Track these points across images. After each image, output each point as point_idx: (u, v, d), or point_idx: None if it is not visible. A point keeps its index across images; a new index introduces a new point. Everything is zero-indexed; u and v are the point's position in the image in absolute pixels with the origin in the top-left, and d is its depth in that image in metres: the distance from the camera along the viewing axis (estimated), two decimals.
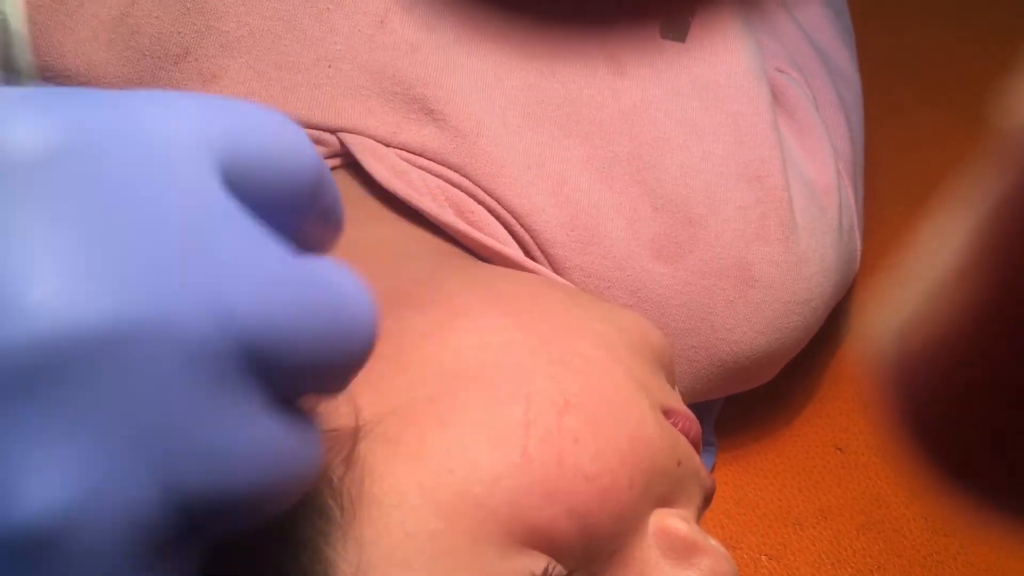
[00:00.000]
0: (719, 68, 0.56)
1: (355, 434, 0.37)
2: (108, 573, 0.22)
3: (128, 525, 0.22)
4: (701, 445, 0.45)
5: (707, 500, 0.45)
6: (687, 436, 0.43)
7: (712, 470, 0.65)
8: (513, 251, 0.51)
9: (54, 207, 0.21)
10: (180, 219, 0.22)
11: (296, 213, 0.26)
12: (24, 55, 0.30)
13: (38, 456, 0.21)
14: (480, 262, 0.51)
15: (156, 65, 0.50)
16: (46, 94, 0.22)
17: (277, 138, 0.25)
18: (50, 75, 0.49)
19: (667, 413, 0.43)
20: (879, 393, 0.17)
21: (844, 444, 0.67)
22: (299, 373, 0.24)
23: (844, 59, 0.70)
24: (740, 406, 0.66)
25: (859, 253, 0.63)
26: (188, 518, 0.23)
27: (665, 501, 0.41)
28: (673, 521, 0.40)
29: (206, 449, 0.23)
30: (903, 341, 0.17)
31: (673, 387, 0.46)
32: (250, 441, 0.24)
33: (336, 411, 0.38)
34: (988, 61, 0.90)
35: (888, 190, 0.80)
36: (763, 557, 0.62)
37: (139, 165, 0.22)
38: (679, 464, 0.42)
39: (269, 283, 0.23)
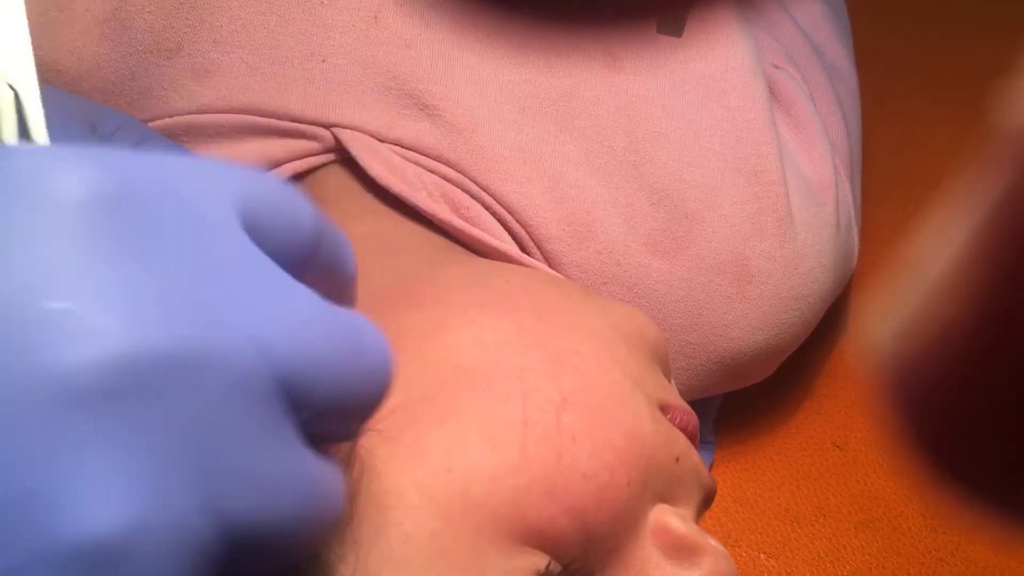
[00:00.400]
0: (716, 63, 0.56)
1: (364, 434, 0.37)
2: None
3: (183, 548, 0.22)
4: (698, 439, 0.45)
5: (708, 499, 0.44)
6: (685, 430, 0.43)
7: (711, 468, 0.65)
8: (508, 247, 0.51)
9: (113, 245, 0.23)
10: (218, 261, 0.24)
11: (301, 262, 0.28)
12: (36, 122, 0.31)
13: (105, 471, 0.21)
14: (476, 257, 0.50)
15: (149, 60, 0.50)
16: (95, 150, 0.24)
17: (281, 196, 0.27)
18: (43, 70, 0.49)
19: (664, 408, 0.43)
20: (878, 392, 0.17)
21: (842, 442, 0.67)
22: (325, 408, 0.26)
23: (840, 56, 0.69)
24: (738, 404, 0.66)
25: (857, 249, 0.63)
26: (231, 550, 0.24)
27: (663, 498, 0.41)
28: (672, 519, 0.40)
29: (250, 476, 0.24)
30: (902, 340, 0.16)
31: (669, 381, 0.46)
32: (289, 471, 0.25)
33: None
34: (988, 56, 0.89)
35: (886, 187, 0.79)
36: (762, 555, 0.62)
37: (179, 214, 0.24)
38: (677, 460, 0.41)
39: (301, 320, 0.25)
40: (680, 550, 0.40)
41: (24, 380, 0.21)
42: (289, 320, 0.25)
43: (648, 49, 0.55)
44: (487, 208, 0.52)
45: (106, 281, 0.22)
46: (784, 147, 0.57)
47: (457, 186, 0.52)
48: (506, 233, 0.52)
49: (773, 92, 0.60)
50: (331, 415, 0.26)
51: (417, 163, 0.51)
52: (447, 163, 0.51)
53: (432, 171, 0.51)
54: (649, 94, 0.54)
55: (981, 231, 0.15)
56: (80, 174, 0.23)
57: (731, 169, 0.54)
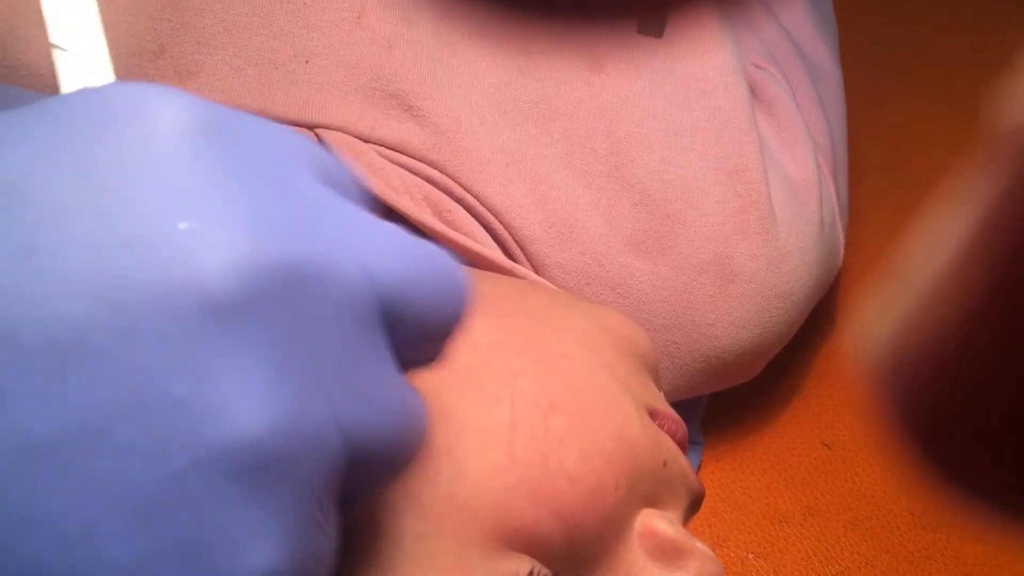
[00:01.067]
0: (696, 63, 0.56)
1: None
2: (306, 502, 0.23)
3: (322, 454, 0.23)
4: (687, 446, 0.45)
5: (695, 504, 0.44)
6: (673, 437, 0.43)
7: (699, 468, 0.65)
8: (491, 251, 0.51)
9: (222, 168, 0.24)
10: (313, 192, 0.25)
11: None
12: None
13: (250, 376, 0.22)
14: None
15: (131, 63, 0.50)
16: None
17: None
18: (24, 73, 0.49)
19: (652, 414, 0.43)
20: (871, 392, 0.17)
21: (831, 440, 0.67)
22: (414, 329, 0.27)
23: (823, 54, 0.69)
24: (726, 404, 0.66)
25: (842, 247, 0.63)
26: (349, 465, 0.25)
27: (651, 503, 0.41)
28: (659, 523, 0.40)
29: (363, 392, 0.25)
30: (896, 339, 0.16)
31: (659, 389, 0.46)
32: (391, 391, 0.26)
33: None
34: (980, 54, 0.90)
35: (878, 185, 0.79)
36: (750, 555, 0.62)
37: (269, 150, 0.25)
38: (665, 465, 0.41)
39: (395, 245, 0.26)
40: (667, 553, 0.40)
41: (163, 294, 0.22)
42: (385, 244, 0.26)
43: (629, 50, 0.55)
44: (470, 210, 0.52)
45: (224, 201, 0.23)
46: (766, 146, 0.57)
47: (440, 188, 0.51)
48: (489, 237, 0.52)
49: (755, 92, 0.60)
50: (418, 337, 0.27)
51: (401, 164, 0.51)
52: (431, 164, 0.51)
53: (416, 172, 0.51)
54: (630, 95, 0.54)
55: (977, 229, 0.15)
56: (179, 104, 0.24)
57: (712, 169, 0.54)
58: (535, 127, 0.53)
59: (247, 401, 0.22)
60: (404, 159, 0.51)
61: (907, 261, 0.16)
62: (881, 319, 0.17)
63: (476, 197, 0.52)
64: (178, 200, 0.23)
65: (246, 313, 0.22)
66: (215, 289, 0.22)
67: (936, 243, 0.15)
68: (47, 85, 0.50)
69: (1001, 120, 0.14)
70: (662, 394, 0.47)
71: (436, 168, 0.51)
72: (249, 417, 0.22)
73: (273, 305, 0.23)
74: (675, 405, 0.54)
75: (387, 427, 0.26)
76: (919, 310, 0.16)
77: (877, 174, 0.81)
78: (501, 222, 0.52)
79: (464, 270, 0.29)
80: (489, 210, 0.52)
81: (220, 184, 0.23)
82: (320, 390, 0.23)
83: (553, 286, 0.52)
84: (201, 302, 0.22)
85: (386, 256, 0.26)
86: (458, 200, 0.52)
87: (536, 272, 0.53)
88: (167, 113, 0.24)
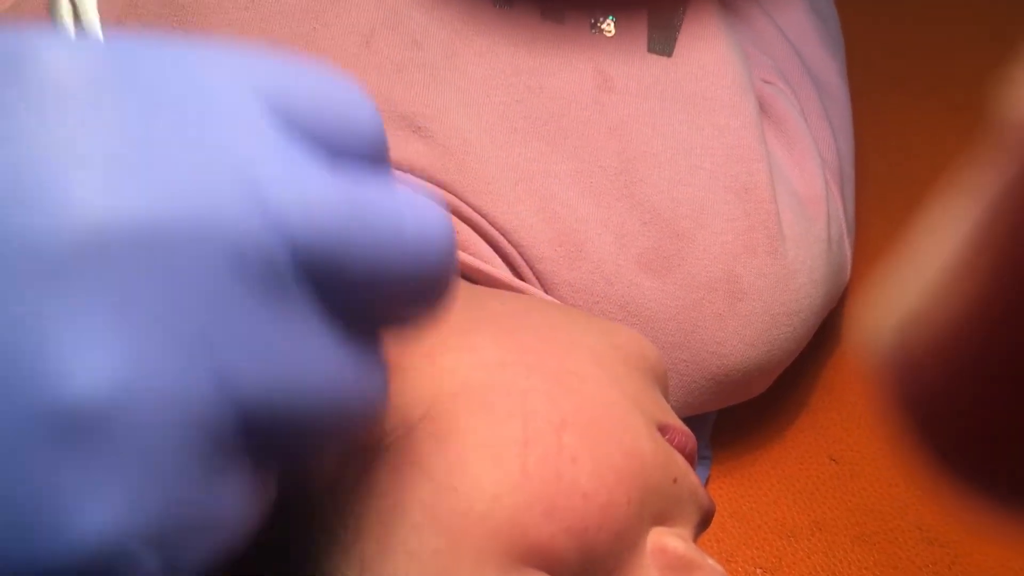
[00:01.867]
0: (706, 82, 0.56)
1: (368, 451, 0.37)
2: (164, 462, 0.22)
3: (181, 413, 0.22)
4: (696, 460, 0.45)
5: (705, 521, 0.44)
6: (683, 452, 0.43)
7: (707, 482, 0.65)
8: (500, 271, 0.51)
9: (101, 118, 0.23)
10: (221, 132, 0.23)
11: (366, 162, 0.26)
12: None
13: (85, 338, 0.21)
14: (468, 283, 0.51)
15: None
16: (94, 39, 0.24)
17: (326, 90, 0.26)
18: None
19: (662, 429, 0.43)
20: (880, 389, 0.17)
21: (838, 455, 0.67)
22: (360, 289, 0.25)
23: (829, 69, 0.70)
24: (733, 418, 0.66)
25: (849, 263, 0.63)
26: (250, 423, 0.24)
27: (662, 519, 0.41)
28: (670, 540, 0.40)
29: (256, 347, 0.23)
30: (904, 335, 0.17)
31: (668, 404, 0.46)
32: (305, 348, 0.24)
33: None
34: (983, 62, 0.90)
35: (880, 195, 0.80)
36: (758, 570, 0.62)
37: (181, 87, 0.24)
38: (675, 482, 0.42)
39: (314, 193, 0.24)
40: (678, 569, 0.40)
41: None
42: (307, 191, 0.24)
43: (639, 68, 0.56)
44: (478, 230, 0.52)
45: (86, 154, 0.22)
46: (775, 163, 0.58)
47: (449, 208, 0.52)
48: (497, 257, 0.52)
49: (764, 108, 0.60)
50: (377, 298, 0.25)
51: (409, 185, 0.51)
52: (439, 184, 0.52)
53: (424, 193, 0.51)
54: (639, 114, 0.55)
55: (983, 221, 0.15)
56: (72, 53, 0.23)
57: (721, 187, 0.55)
58: (545, 145, 0.54)
59: (77, 361, 0.21)
60: (413, 180, 0.52)
61: (915, 256, 0.16)
62: (889, 315, 0.17)
63: (484, 216, 0.52)
64: (34, 150, 0.22)
65: (85, 272, 0.22)
66: (50, 245, 0.21)
67: (944, 238, 0.16)
68: None
69: (1007, 113, 0.14)
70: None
71: (444, 189, 0.52)
72: (78, 377, 0.21)
73: (123, 263, 0.22)
74: (683, 421, 0.54)
75: (299, 385, 0.24)
76: (928, 305, 0.16)
77: (880, 183, 0.81)
78: (510, 241, 0.52)
79: (443, 225, 0.27)
80: (498, 229, 0.52)
81: (88, 136, 0.22)
82: (187, 346, 0.22)
83: (561, 304, 0.52)
84: (33, 258, 0.21)
85: (308, 205, 0.23)
86: (466, 220, 0.52)
87: (545, 291, 0.53)
88: (53, 64, 0.23)
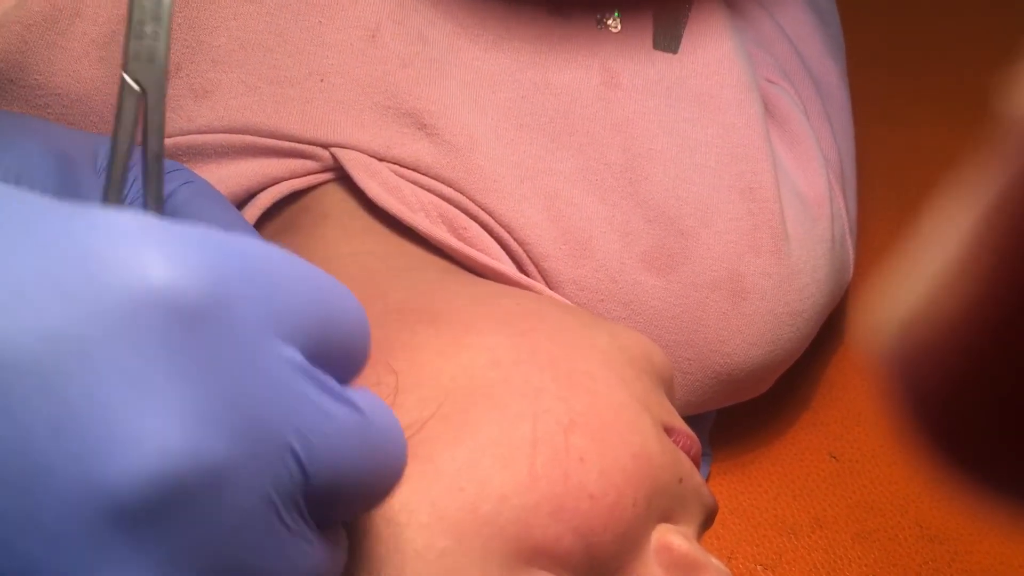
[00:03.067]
0: (711, 80, 0.56)
1: None
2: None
3: None
4: (700, 462, 0.46)
5: (709, 519, 0.45)
6: (688, 454, 0.44)
7: (707, 480, 0.65)
8: (506, 267, 0.51)
9: (167, 360, 0.24)
10: (263, 375, 0.26)
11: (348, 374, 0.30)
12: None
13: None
14: (478, 278, 0.51)
15: None
16: (175, 238, 0.25)
17: (341, 317, 0.29)
18: (40, 93, 0.49)
19: (668, 431, 0.43)
20: (884, 386, 0.17)
21: (838, 452, 0.67)
22: (350, 503, 0.29)
23: (829, 69, 0.69)
24: (734, 415, 0.66)
25: (851, 263, 0.63)
26: None
27: (667, 518, 0.42)
28: (675, 538, 0.41)
29: (277, 566, 0.27)
30: (907, 333, 0.17)
31: (673, 405, 0.47)
32: (300, 556, 0.27)
33: None
34: (985, 68, 0.90)
35: (881, 198, 0.80)
36: (759, 567, 0.62)
37: (228, 330, 0.26)
38: (680, 482, 0.42)
39: (338, 438, 0.27)
40: (682, 568, 0.40)
41: (68, 491, 0.23)
42: (334, 437, 0.27)
43: (645, 65, 0.55)
44: (484, 227, 0.52)
45: (159, 398, 0.24)
46: (779, 162, 0.58)
47: (455, 205, 0.52)
48: (504, 253, 0.52)
49: (767, 107, 0.60)
50: (355, 506, 0.30)
51: (415, 182, 0.51)
52: (445, 182, 0.52)
53: (430, 190, 0.51)
54: (645, 111, 0.54)
55: (985, 221, 0.15)
56: (165, 265, 0.24)
57: (726, 186, 0.55)
58: (551, 141, 0.53)
59: None
60: (419, 177, 0.51)
61: (919, 254, 0.16)
62: (891, 311, 0.17)
63: (490, 214, 0.52)
64: (115, 390, 0.23)
65: (153, 517, 0.23)
66: (118, 494, 0.23)
67: (945, 234, 0.16)
68: (65, 105, 0.50)
69: (1008, 111, 0.14)
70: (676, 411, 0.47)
71: (450, 186, 0.52)
72: None
73: (181, 510, 0.24)
74: (685, 418, 0.54)
75: None
76: (928, 301, 0.16)
77: (881, 181, 0.81)
78: (515, 239, 0.52)
79: (403, 439, 0.30)
80: (503, 227, 0.52)
81: (159, 381, 0.24)
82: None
83: (569, 303, 0.52)
84: (100, 507, 0.23)
85: (327, 444, 0.27)
86: (473, 217, 0.52)
87: (550, 288, 0.53)
88: (148, 274, 0.24)
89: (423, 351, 0.41)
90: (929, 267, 0.16)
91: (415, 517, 0.36)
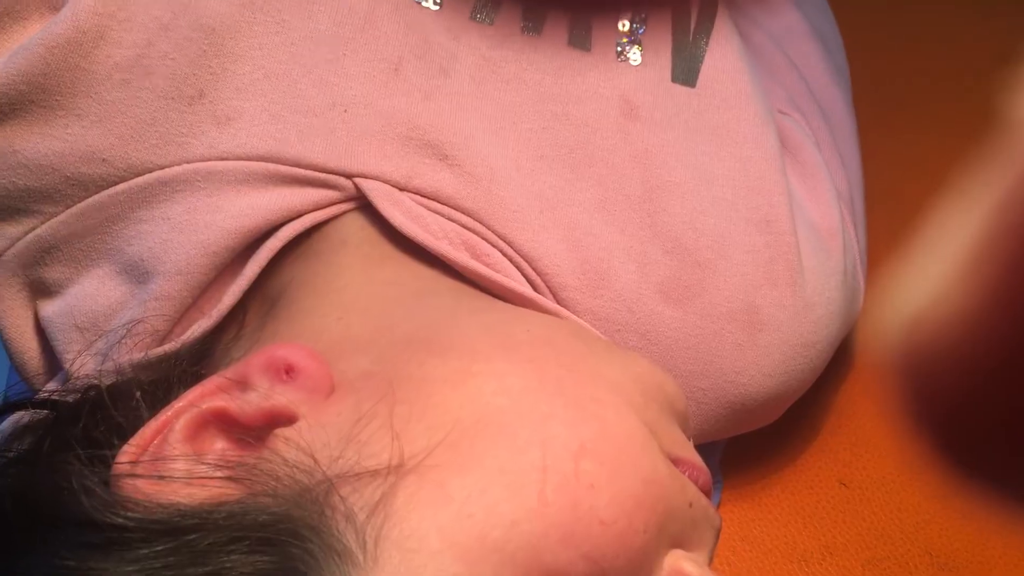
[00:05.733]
0: (729, 114, 0.56)
1: (388, 478, 0.38)
2: None
3: None
4: (711, 494, 0.46)
5: (716, 537, 0.45)
6: (695, 484, 0.44)
7: (717, 507, 0.65)
8: (530, 292, 0.52)
9: None
10: None
11: None
12: None
13: None
14: (496, 303, 0.51)
15: (170, 106, 0.50)
16: None
17: None
18: (61, 114, 0.49)
19: (676, 462, 0.44)
20: (893, 394, 0.18)
21: (848, 479, 0.68)
22: None
23: (836, 98, 0.70)
24: (744, 443, 0.66)
25: (862, 293, 0.64)
26: None
27: (678, 543, 0.42)
28: (686, 564, 0.41)
29: None
30: (915, 336, 0.17)
31: (689, 438, 0.47)
32: None
33: (366, 453, 0.38)
34: (987, 83, 0.90)
35: (886, 188, 0.79)
36: None
37: None
38: (691, 506, 0.42)
39: None
40: None
41: None
42: None
43: (663, 98, 0.56)
44: (504, 256, 0.52)
45: None
46: (792, 195, 0.58)
47: (475, 234, 0.52)
48: (524, 280, 0.53)
49: (780, 139, 0.60)
50: None
51: (437, 212, 0.52)
52: (466, 212, 0.52)
53: (451, 220, 0.52)
54: (664, 143, 0.55)
55: (991, 223, 0.15)
56: None
57: (743, 219, 0.55)
58: (570, 172, 0.54)
59: None
60: (440, 207, 0.52)
61: (922, 255, 0.16)
62: (898, 314, 0.17)
63: (510, 244, 0.52)
64: None
65: None
66: None
67: (951, 236, 0.16)
68: (85, 127, 0.50)
69: (1012, 117, 0.15)
70: (690, 442, 0.48)
71: (471, 216, 0.52)
72: None
73: None
74: (696, 446, 0.55)
75: None
76: (935, 304, 0.16)
77: (883, 193, 0.81)
78: (535, 269, 0.52)
79: None
80: (523, 257, 0.52)
81: None
82: None
83: (586, 327, 0.53)
84: None
85: None
86: (493, 246, 0.52)
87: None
88: None
89: (430, 381, 0.42)
90: (934, 273, 0.16)
91: (425, 544, 0.36)
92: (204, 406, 0.39)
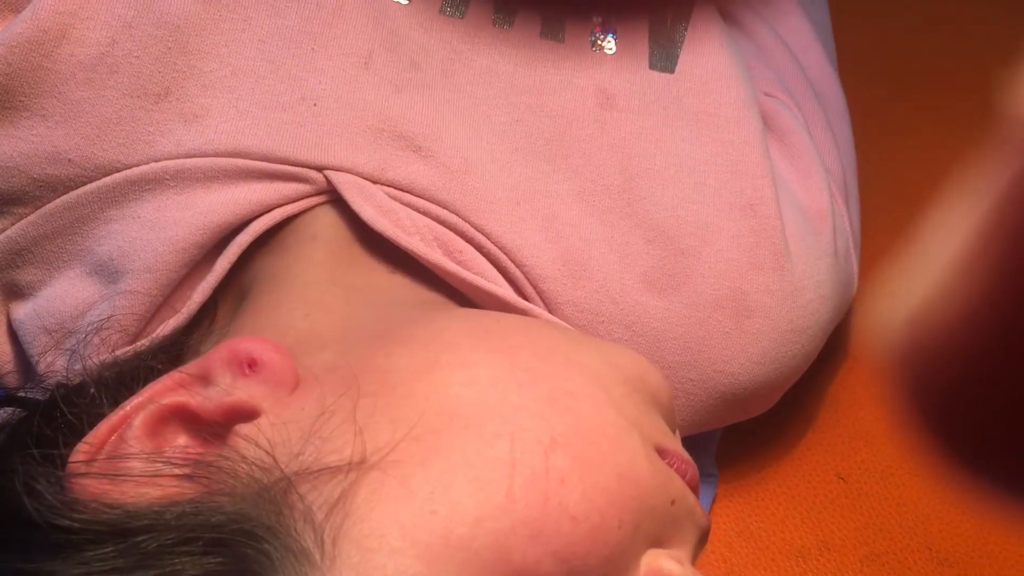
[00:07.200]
0: (709, 98, 0.55)
1: (349, 475, 0.36)
2: None
3: None
4: (699, 488, 0.45)
5: (703, 540, 0.44)
6: (683, 478, 0.43)
7: (713, 502, 0.64)
8: (503, 290, 0.51)
9: None
10: None
11: None
12: None
13: None
14: (467, 310, 0.50)
15: (135, 104, 0.49)
16: None
17: None
18: (26, 115, 0.49)
19: (662, 453, 0.42)
20: (891, 389, 0.17)
21: (845, 473, 0.67)
22: None
23: (828, 77, 0.69)
24: (740, 436, 0.65)
25: (856, 277, 0.62)
26: None
27: (658, 541, 0.41)
28: (666, 563, 0.40)
29: None
30: (914, 332, 0.16)
31: (674, 431, 0.46)
32: None
33: (327, 449, 0.37)
34: (984, 71, 0.89)
35: (884, 185, 0.79)
36: None
37: None
38: (672, 503, 0.41)
39: None
40: None
41: None
42: None
43: (640, 86, 0.55)
44: (481, 249, 0.51)
45: None
46: (779, 177, 0.57)
47: (451, 228, 0.51)
48: (501, 276, 0.52)
49: (767, 121, 0.60)
50: None
51: (411, 205, 0.51)
52: (441, 204, 0.51)
53: (426, 212, 0.51)
54: (642, 131, 0.54)
55: (989, 219, 0.15)
56: None
57: (726, 204, 0.54)
58: (547, 164, 0.53)
59: None
60: (414, 200, 0.51)
61: (920, 252, 0.16)
62: (897, 311, 0.17)
63: (487, 236, 0.51)
64: None
65: None
66: None
67: (949, 233, 0.16)
68: (50, 127, 0.49)
69: (1010, 111, 0.14)
70: (677, 434, 0.46)
71: (446, 208, 0.51)
72: None
73: None
74: (689, 438, 0.54)
75: None
76: (934, 300, 0.16)
77: (883, 183, 0.80)
78: (513, 260, 0.51)
79: None
80: (500, 249, 0.51)
81: None
82: None
83: (565, 324, 0.52)
84: None
85: None
86: (469, 240, 0.51)
87: (549, 311, 0.52)
88: None
89: (396, 372, 0.41)
90: (932, 270, 0.16)
91: (385, 542, 0.35)
92: (164, 401, 0.38)
